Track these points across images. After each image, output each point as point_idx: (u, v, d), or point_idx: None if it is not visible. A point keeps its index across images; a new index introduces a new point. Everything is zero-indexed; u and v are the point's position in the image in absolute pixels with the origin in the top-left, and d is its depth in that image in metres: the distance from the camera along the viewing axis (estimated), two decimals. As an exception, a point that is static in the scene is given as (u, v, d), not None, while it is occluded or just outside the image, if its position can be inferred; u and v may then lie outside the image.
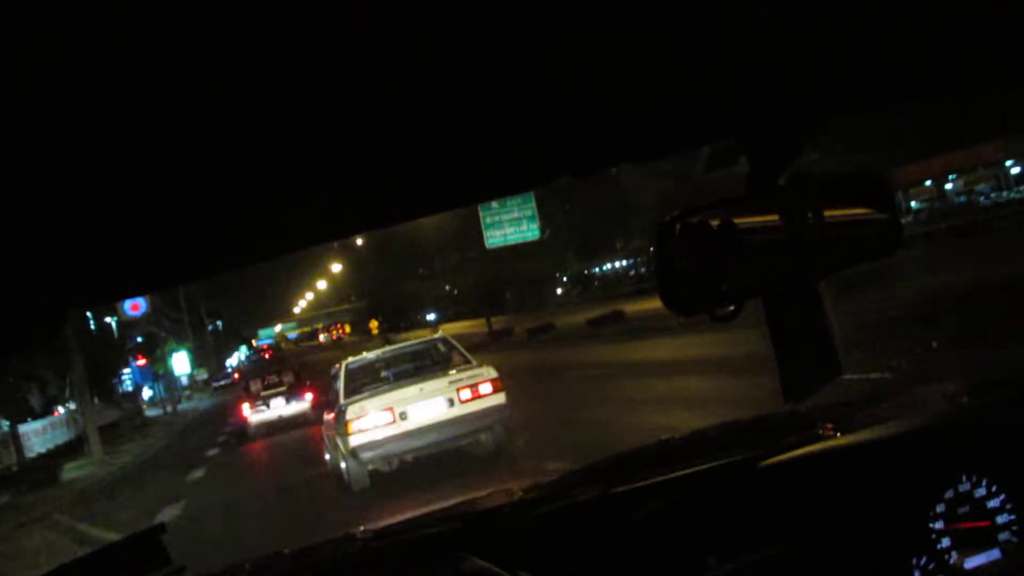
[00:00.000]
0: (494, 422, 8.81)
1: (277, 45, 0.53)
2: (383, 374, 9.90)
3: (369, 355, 10.26)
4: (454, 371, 9.07)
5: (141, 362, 35.68)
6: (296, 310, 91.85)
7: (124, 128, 0.58)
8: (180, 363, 43.60)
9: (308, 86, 0.59)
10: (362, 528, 1.64)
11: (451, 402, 8.62)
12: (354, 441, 8.38)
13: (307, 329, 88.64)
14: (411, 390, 8.65)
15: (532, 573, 1.31)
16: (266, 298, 65.69)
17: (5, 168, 0.57)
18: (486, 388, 8.74)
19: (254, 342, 75.11)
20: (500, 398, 8.78)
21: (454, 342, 10.21)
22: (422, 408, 8.57)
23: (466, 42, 0.59)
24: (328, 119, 0.64)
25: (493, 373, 8.82)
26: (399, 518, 1.76)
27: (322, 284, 77.52)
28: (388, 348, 10.94)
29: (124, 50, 0.49)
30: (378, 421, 8.45)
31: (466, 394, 8.67)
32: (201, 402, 44.63)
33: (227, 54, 0.53)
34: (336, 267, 61.17)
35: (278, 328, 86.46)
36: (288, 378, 20.10)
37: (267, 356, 64.58)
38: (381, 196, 0.83)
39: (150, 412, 37.01)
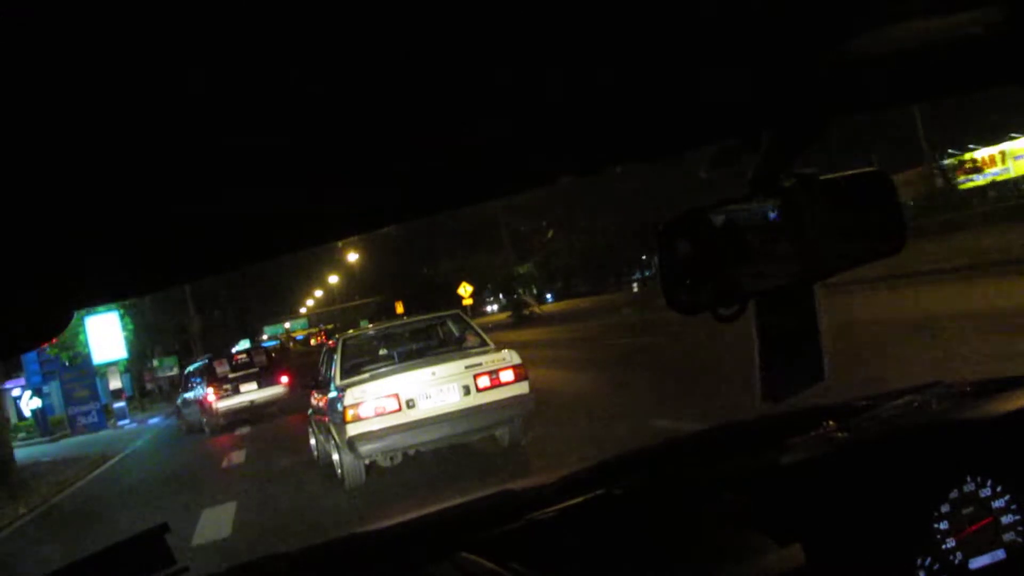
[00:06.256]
0: (515, 415, 7.56)
1: (282, 32, 0.51)
2: (385, 353, 8.67)
3: (369, 331, 9.04)
4: (470, 354, 7.79)
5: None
6: (302, 310, 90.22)
7: (130, 123, 0.56)
8: (105, 340, 21.55)
9: (310, 81, 0.58)
10: (362, 528, 1.62)
11: (467, 390, 7.38)
12: (352, 431, 7.15)
13: (315, 329, 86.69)
14: (420, 374, 7.39)
15: (533, 573, 1.30)
16: (279, 292, 61.90)
17: (7, 162, 0.56)
18: (507, 375, 7.49)
19: (259, 339, 69.11)
20: (523, 387, 7.53)
21: (468, 319, 8.94)
22: (433, 395, 7.33)
23: (471, 38, 0.58)
24: (330, 116, 0.63)
25: (516, 358, 7.57)
26: (398, 519, 1.61)
27: (333, 279, 75.57)
28: (387, 324, 9.68)
29: (122, 44, 0.48)
30: (381, 409, 7.24)
31: (484, 381, 7.43)
32: (138, 439, 18.95)
33: (230, 35, 0.50)
34: (352, 256, 58.01)
35: (287, 325, 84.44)
36: (260, 358, 17.20)
37: None
38: (379, 195, 0.82)
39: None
